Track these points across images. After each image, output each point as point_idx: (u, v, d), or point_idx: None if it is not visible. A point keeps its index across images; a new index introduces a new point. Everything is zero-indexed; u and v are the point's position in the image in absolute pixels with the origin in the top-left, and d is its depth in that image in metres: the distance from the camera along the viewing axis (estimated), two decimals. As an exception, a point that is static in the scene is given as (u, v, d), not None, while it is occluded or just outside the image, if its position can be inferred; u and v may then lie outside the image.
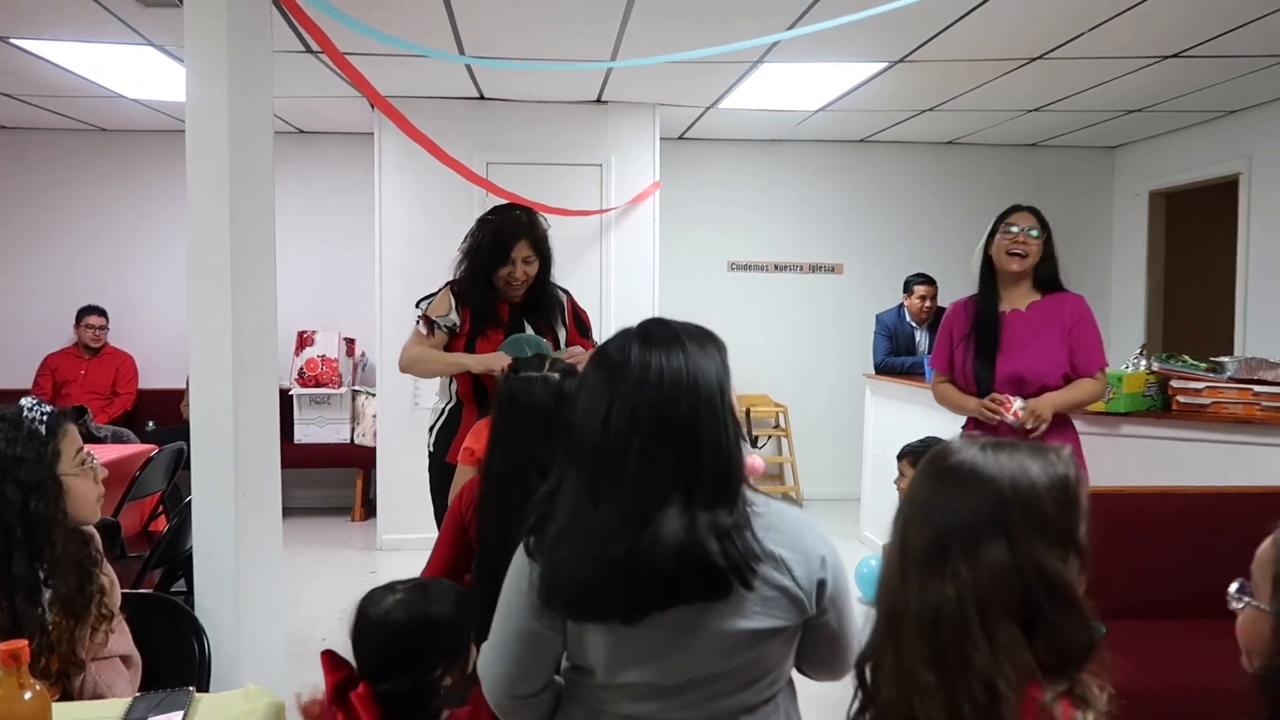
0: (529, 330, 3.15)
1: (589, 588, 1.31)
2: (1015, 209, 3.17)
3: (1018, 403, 2.95)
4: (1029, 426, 2.94)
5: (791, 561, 1.37)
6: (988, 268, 3.18)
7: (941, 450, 1.23)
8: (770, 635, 1.38)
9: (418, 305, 3.27)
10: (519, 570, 1.42)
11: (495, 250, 3.10)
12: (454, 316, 3.18)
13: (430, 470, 3.26)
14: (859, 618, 1.42)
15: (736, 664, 1.38)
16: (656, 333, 1.40)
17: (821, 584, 1.40)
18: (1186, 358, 3.85)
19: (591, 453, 1.35)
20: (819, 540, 1.43)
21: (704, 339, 1.42)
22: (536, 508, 1.42)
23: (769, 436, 6.89)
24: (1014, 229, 3.09)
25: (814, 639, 1.46)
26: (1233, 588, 1.17)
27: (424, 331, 3.19)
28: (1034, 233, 3.07)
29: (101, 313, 6.33)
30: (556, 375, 2.06)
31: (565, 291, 3.33)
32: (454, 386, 3.22)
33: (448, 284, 3.26)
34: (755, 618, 1.35)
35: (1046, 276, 3.11)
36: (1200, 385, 3.73)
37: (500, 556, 1.74)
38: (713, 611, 1.34)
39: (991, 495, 1.15)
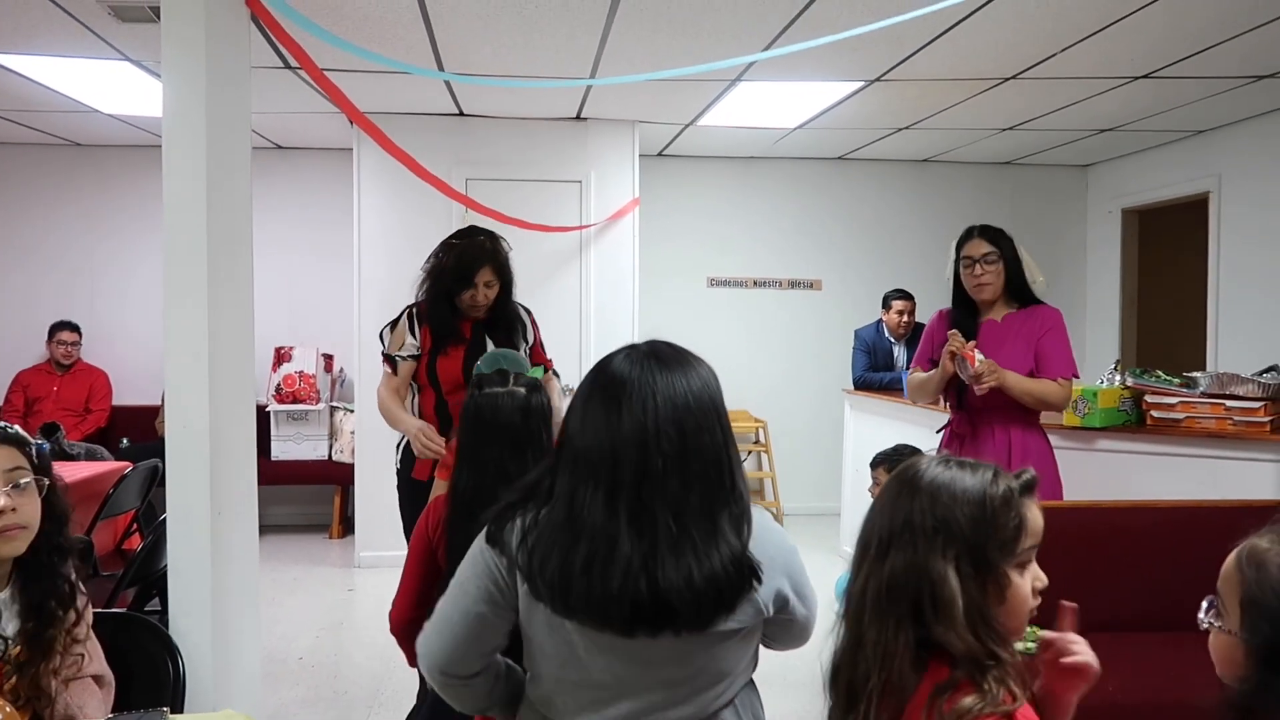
0: (490, 346, 3.20)
1: (598, 595, 1.32)
2: (968, 235, 3.19)
3: (979, 355, 3.00)
4: (983, 377, 2.98)
5: (759, 568, 1.40)
6: (960, 286, 3.24)
7: (911, 462, 1.31)
8: (728, 636, 1.41)
9: (381, 337, 3.35)
10: (479, 556, 1.45)
11: (459, 274, 3.17)
12: (412, 343, 3.25)
13: (399, 488, 3.29)
14: (817, 600, 1.54)
15: (695, 667, 1.41)
16: (664, 352, 1.43)
17: (779, 591, 1.45)
18: (1160, 373, 3.90)
19: (604, 466, 1.35)
20: (778, 547, 1.46)
21: (701, 362, 1.46)
22: (511, 498, 1.46)
23: (749, 452, 6.91)
24: (972, 261, 3.13)
25: (777, 629, 1.52)
26: (1204, 607, 1.19)
27: (389, 370, 3.29)
28: (990, 259, 3.10)
29: (74, 328, 6.26)
30: (522, 390, 2.06)
31: (527, 310, 3.41)
32: (418, 404, 3.28)
33: (406, 308, 3.32)
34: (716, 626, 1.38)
35: (1018, 290, 3.15)
36: (1174, 400, 3.78)
37: None
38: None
39: (917, 504, 1.23)
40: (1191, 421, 3.74)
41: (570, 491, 1.37)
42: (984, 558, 1.19)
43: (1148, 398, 3.87)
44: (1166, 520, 2.99)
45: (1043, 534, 1.25)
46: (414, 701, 2.73)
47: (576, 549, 1.33)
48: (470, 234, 3.31)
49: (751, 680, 1.54)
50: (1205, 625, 1.18)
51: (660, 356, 1.42)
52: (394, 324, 3.31)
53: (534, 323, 3.41)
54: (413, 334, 3.24)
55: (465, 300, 3.19)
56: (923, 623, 1.18)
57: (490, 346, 3.20)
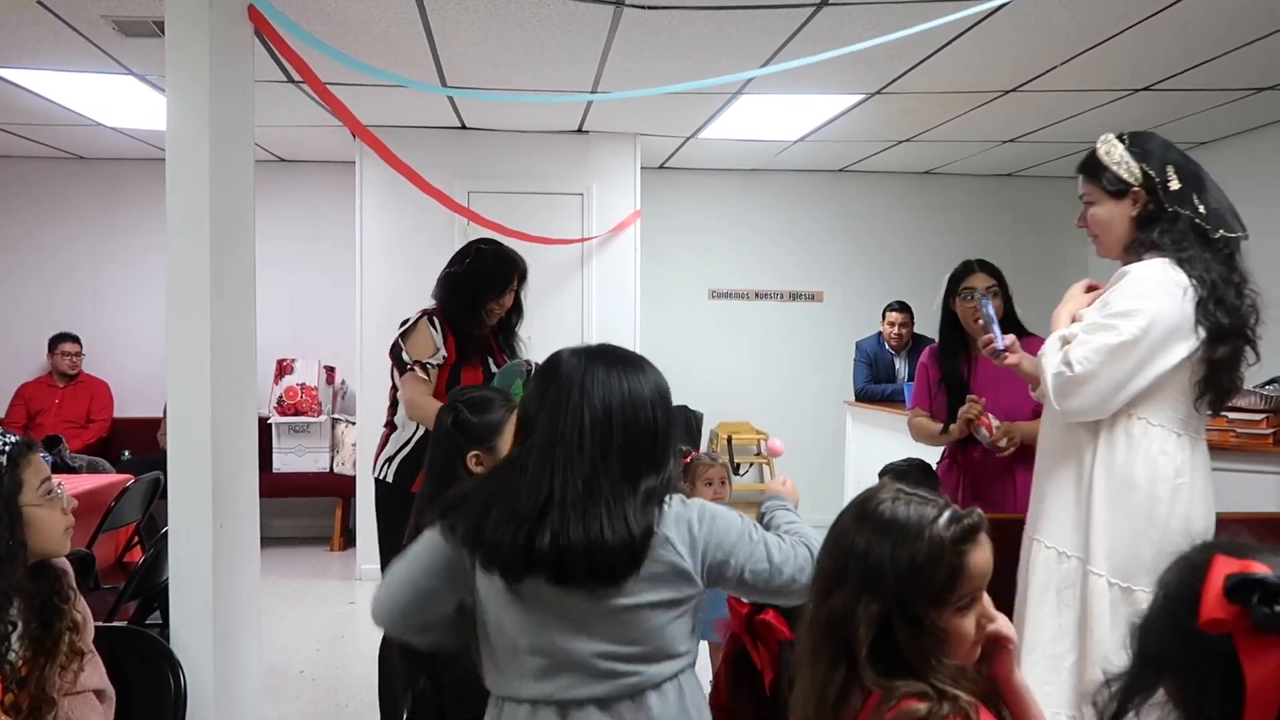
0: (492, 361, 3.27)
1: (506, 542, 1.45)
2: (968, 269, 3.12)
3: (995, 420, 2.97)
4: (1000, 445, 2.96)
5: (675, 539, 1.48)
6: (948, 321, 3.18)
7: (871, 493, 1.34)
8: (657, 607, 1.47)
9: (401, 351, 3.25)
10: (432, 537, 1.56)
11: (497, 281, 3.19)
12: (442, 352, 3.20)
13: (385, 501, 3.27)
14: (774, 549, 1.57)
15: (630, 637, 1.47)
16: (610, 349, 1.60)
17: (703, 552, 1.51)
18: (1235, 393, 3.89)
19: (534, 429, 1.52)
20: (697, 512, 1.53)
21: (645, 364, 1.59)
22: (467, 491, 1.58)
23: (750, 464, 6.90)
24: (974, 294, 3.06)
25: (741, 587, 1.57)
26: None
27: (423, 377, 3.21)
28: (994, 292, 3.05)
29: (76, 340, 6.28)
30: (502, 411, 2.12)
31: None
32: None
33: (422, 313, 3.26)
34: (641, 593, 1.46)
35: (1014, 324, 3.06)
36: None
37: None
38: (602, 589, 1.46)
39: (857, 544, 1.27)
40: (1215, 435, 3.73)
41: (512, 460, 1.54)
42: (912, 610, 1.22)
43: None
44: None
45: (990, 570, 1.27)
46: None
47: (498, 503, 1.48)
48: (500, 244, 3.33)
49: (692, 668, 1.58)
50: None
51: (604, 354, 1.58)
52: (409, 331, 3.26)
53: None
54: (438, 341, 3.21)
55: (492, 309, 3.20)
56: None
57: (492, 361, 3.22)
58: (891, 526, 1.25)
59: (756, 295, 7.15)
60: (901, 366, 5.82)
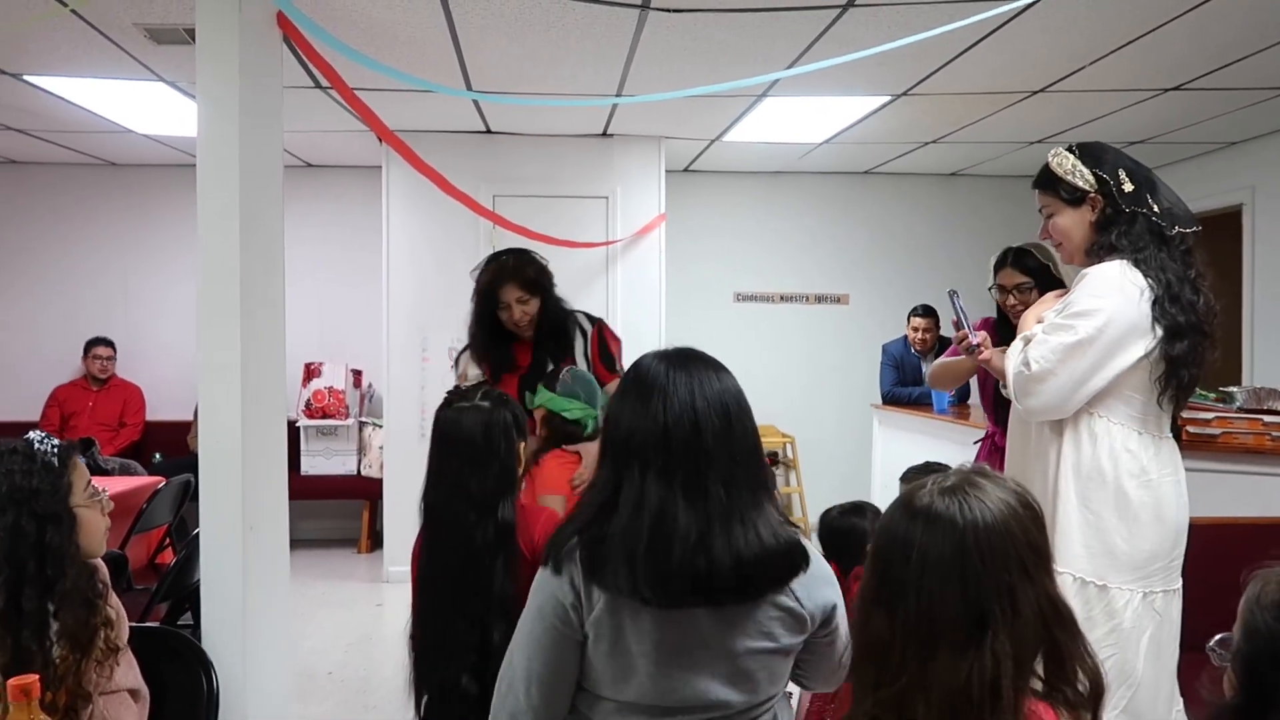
0: (549, 365, 3.19)
1: (662, 570, 1.36)
2: (1003, 260, 3.09)
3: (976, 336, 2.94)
4: (976, 344, 2.91)
5: (796, 584, 1.44)
6: (1000, 309, 3.19)
7: (932, 509, 1.13)
8: (771, 654, 1.44)
9: (457, 364, 3.35)
10: (541, 588, 1.46)
11: (487, 296, 3.20)
12: (475, 374, 3.26)
13: None
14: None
15: (741, 684, 1.43)
16: (693, 353, 1.53)
17: (828, 601, 1.48)
18: (1196, 389, 3.84)
19: (654, 449, 1.42)
20: (822, 561, 1.51)
21: (724, 365, 1.53)
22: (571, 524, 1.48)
23: (776, 467, 6.87)
24: (1005, 290, 3.04)
25: (816, 655, 1.53)
26: (1213, 642, 1.15)
27: None
28: (1024, 289, 3.01)
29: (109, 344, 6.36)
30: (487, 404, 2.08)
31: (595, 320, 3.35)
32: None
33: (465, 348, 3.33)
34: (758, 638, 1.42)
35: None
36: (1209, 415, 3.72)
37: (434, 590, 1.84)
38: (721, 628, 1.40)
39: (1006, 544, 1.11)
40: (1228, 437, 3.68)
41: (624, 482, 1.43)
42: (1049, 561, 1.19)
43: (1183, 413, 3.81)
44: (1203, 537, 2.93)
45: None
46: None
47: (638, 523, 1.38)
48: (495, 257, 3.32)
49: (786, 695, 1.56)
50: (1215, 660, 1.14)
51: (694, 357, 1.51)
52: (462, 354, 3.35)
53: (600, 334, 3.31)
54: (476, 365, 3.27)
55: (507, 322, 3.19)
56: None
57: (549, 365, 3.19)
58: (997, 497, 1.14)
59: (781, 298, 7.12)
60: (927, 370, 5.77)
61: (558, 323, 3.25)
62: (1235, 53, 4.08)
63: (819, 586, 1.47)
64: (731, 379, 1.49)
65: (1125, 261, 2.15)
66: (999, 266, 3.11)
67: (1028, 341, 2.22)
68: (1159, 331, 2.10)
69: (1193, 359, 2.13)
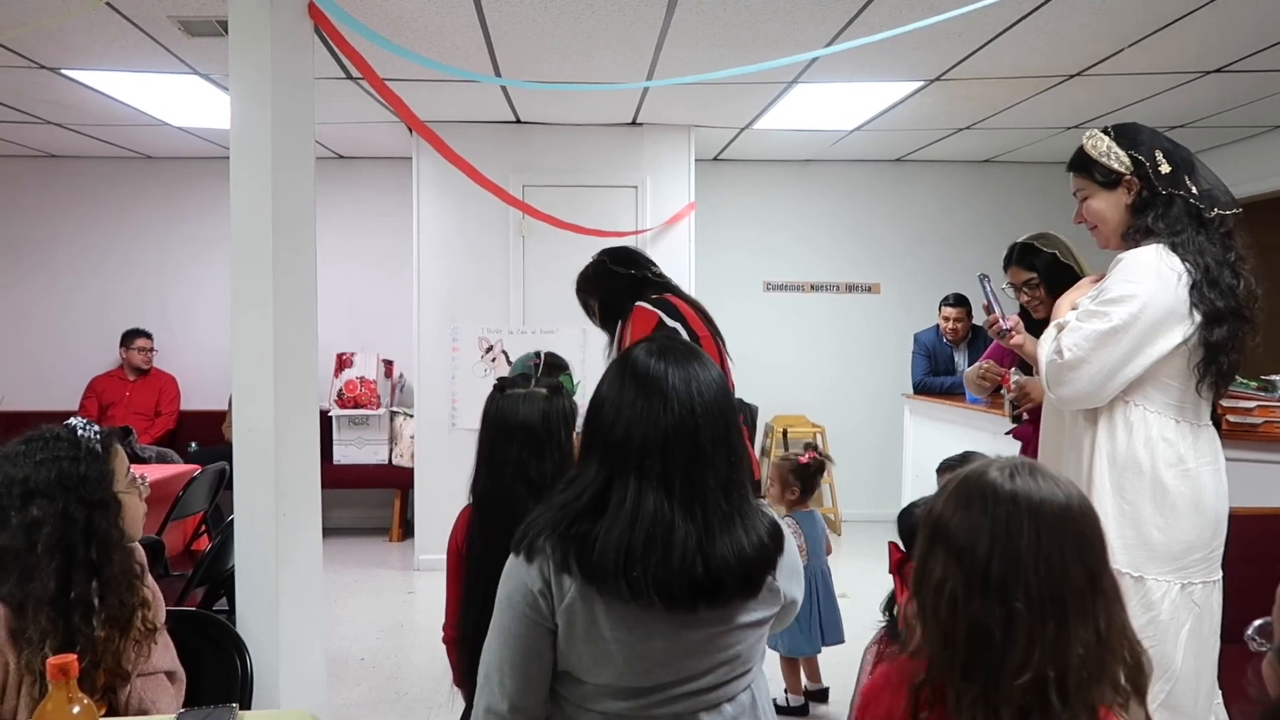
0: None
1: (660, 575, 1.34)
2: (1008, 259, 3.00)
3: (1015, 376, 2.91)
4: (1012, 398, 2.88)
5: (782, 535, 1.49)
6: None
7: (1023, 490, 1.16)
8: (756, 626, 1.46)
9: None
10: (511, 577, 1.44)
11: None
12: None
13: None
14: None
15: (721, 659, 1.44)
16: (680, 348, 1.48)
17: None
18: (1237, 376, 3.77)
19: (653, 454, 1.39)
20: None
21: (706, 357, 1.50)
22: (543, 510, 1.46)
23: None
24: (1017, 287, 2.96)
25: (782, 614, 1.55)
26: (1251, 629, 1.13)
27: None
28: (1032, 285, 2.92)
29: (149, 335, 6.47)
30: (543, 391, 2.07)
31: (648, 305, 3.21)
32: None
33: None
34: (748, 613, 1.44)
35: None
36: (1251, 404, 3.65)
37: (487, 578, 1.78)
38: (709, 614, 1.40)
39: (1094, 515, 1.15)
40: (1270, 426, 3.61)
41: (613, 481, 1.40)
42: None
43: (1224, 402, 3.74)
44: (1244, 528, 2.88)
45: None
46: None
47: (634, 533, 1.36)
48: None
49: (761, 670, 1.58)
50: (1253, 647, 1.12)
51: (685, 352, 1.47)
52: None
53: (631, 323, 3.16)
54: None
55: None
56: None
57: None
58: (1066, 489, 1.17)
59: (812, 287, 7.08)
60: (961, 359, 5.71)
61: (618, 318, 3.24)
62: (1276, 35, 3.98)
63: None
64: (717, 370, 1.47)
65: (1162, 245, 2.10)
66: (1006, 265, 3.04)
67: (1061, 329, 2.18)
68: (1197, 317, 2.05)
69: (1232, 345, 2.08)
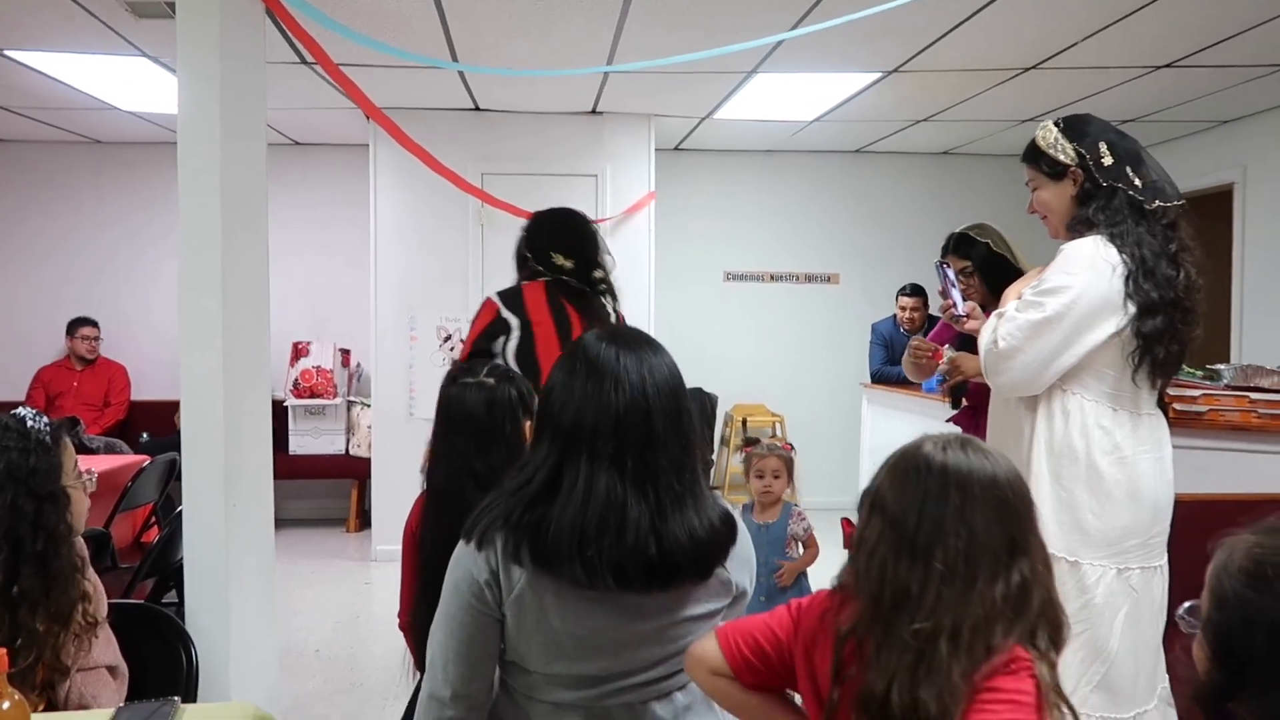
0: None
1: (614, 557, 1.34)
2: (945, 248, 3.02)
3: (948, 351, 2.93)
4: (943, 370, 2.88)
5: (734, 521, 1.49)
6: None
7: (954, 460, 1.24)
8: (707, 618, 1.46)
9: None
10: (458, 565, 1.43)
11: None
12: None
13: None
14: None
15: (671, 649, 1.44)
16: (633, 334, 1.49)
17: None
18: (1183, 365, 3.84)
19: (604, 436, 1.39)
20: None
21: (656, 343, 1.50)
22: (494, 497, 1.45)
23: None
24: (950, 274, 2.92)
25: (733, 608, 1.55)
26: (1182, 610, 1.15)
27: None
28: (966, 273, 2.93)
29: (94, 324, 6.33)
30: (491, 381, 2.04)
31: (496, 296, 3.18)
32: None
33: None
34: (698, 604, 1.44)
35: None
36: (1196, 393, 3.71)
37: (437, 568, 1.77)
38: (660, 603, 1.41)
39: (1023, 486, 1.24)
40: (1215, 415, 3.67)
41: (565, 464, 1.40)
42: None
43: (1170, 390, 3.79)
44: (1189, 514, 2.94)
45: None
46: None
47: (587, 514, 1.36)
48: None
49: None
50: (1184, 627, 1.14)
51: (634, 337, 1.48)
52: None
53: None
54: None
55: None
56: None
57: None
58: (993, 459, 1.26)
59: (772, 277, 7.11)
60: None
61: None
62: (1228, 29, 4.06)
63: (739, 566, 1.49)
64: (670, 358, 1.48)
65: (1101, 237, 2.13)
66: (943, 253, 3.07)
67: (1000, 318, 2.21)
68: (1131, 308, 2.08)
69: (1170, 335, 2.11)
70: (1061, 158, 2.23)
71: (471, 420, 1.99)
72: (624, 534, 1.35)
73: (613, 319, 3.11)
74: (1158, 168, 2.22)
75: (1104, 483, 2.11)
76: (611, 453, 1.38)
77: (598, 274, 3.15)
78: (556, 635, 1.39)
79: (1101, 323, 2.09)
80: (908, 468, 1.25)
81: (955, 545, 1.18)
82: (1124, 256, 2.09)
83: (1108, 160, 2.17)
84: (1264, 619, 0.98)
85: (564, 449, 1.40)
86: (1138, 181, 2.16)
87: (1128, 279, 2.08)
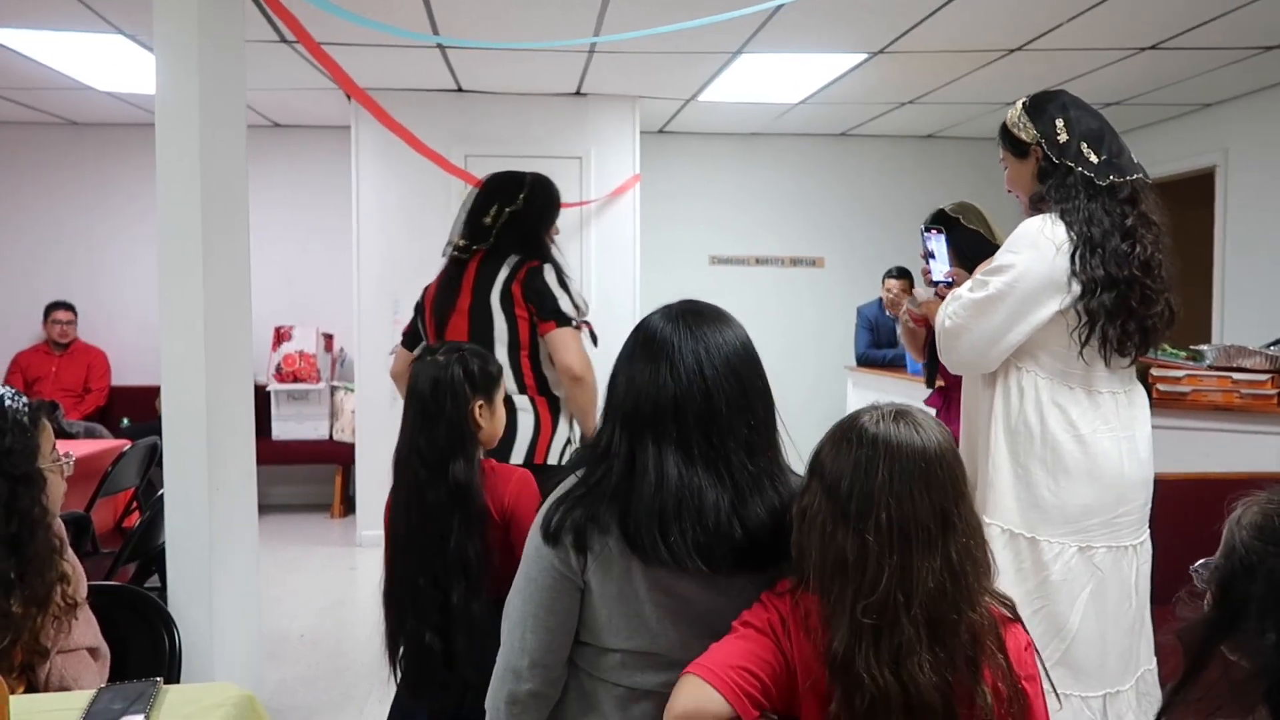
0: None
1: (699, 540, 1.33)
2: (927, 223, 2.96)
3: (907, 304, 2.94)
4: (914, 318, 2.91)
5: None
6: None
7: (886, 433, 1.29)
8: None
9: (557, 301, 2.76)
10: (537, 556, 1.41)
11: (556, 209, 3.04)
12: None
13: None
14: None
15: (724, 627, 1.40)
16: (701, 308, 1.48)
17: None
18: (1166, 346, 3.86)
19: (665, 419, 1.37)
20: None
21: (731, 316, 1.50)
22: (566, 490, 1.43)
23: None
24: (932, 242, 2.87)
25: None
26: (1196, 565, 1.16)
27: (584, 333, 2.83)
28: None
29: (69, 308, 6.24)
30: (440, 359, 2.04)
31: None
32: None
33: (548, 267, 2.83)
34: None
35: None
36: (1180, 374, 3.74)
37: (399, 551, 1.91)
38: (759, 579, 1.39)
39: (954, 459, 1.29)
40: (1198, 395, 3.71)
41: (635, 450, 1.38)
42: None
43: (1154, 371, 3.84)
44: (1173, 493, 2.96)
45: None
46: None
47: (663, 497, 1.34)
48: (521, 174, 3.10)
49: None
50: (1196, 580, 1.16)
51: (698, 312, 1.46)
52: (556, 286, 2.79)
53: None
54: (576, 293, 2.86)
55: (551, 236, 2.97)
56: None
57: None
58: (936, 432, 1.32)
59: (757, 261, 7.10)
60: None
61: None
62: (1212, 11, 4.06)
63: None
64: (740, 331, 1.45)
65: (1051, 215, 2.12)
66: (926, 228, 3.07)
67: (955, 298, 2.22)
68: (1075, 287, 2.06)
69: (1122, 312, 2.07)
70: (1023, 136, 2.23)
71: (418, 397, 2.01)
72: (704, 517, 1.33)
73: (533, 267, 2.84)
74: (1118, 143, 2.19)
75: (1061, 459, 2.09)
76: (676, 436, 1.36)
77: (486, 220, 2.98)
78: (640, 605, 1.37)
79: (1046, 300, 2.07)
80: (844, 437, 1.31)
81: (885, 516, 1.22)
82: (1071, 234, 2.07)
83: (1063, 137, 2.16)
84: (1265, 565, 1.03)
85: (632, 435, 1.39)
86: (1093, 159, 2.14)
87: (1073, 256, 2.06)
